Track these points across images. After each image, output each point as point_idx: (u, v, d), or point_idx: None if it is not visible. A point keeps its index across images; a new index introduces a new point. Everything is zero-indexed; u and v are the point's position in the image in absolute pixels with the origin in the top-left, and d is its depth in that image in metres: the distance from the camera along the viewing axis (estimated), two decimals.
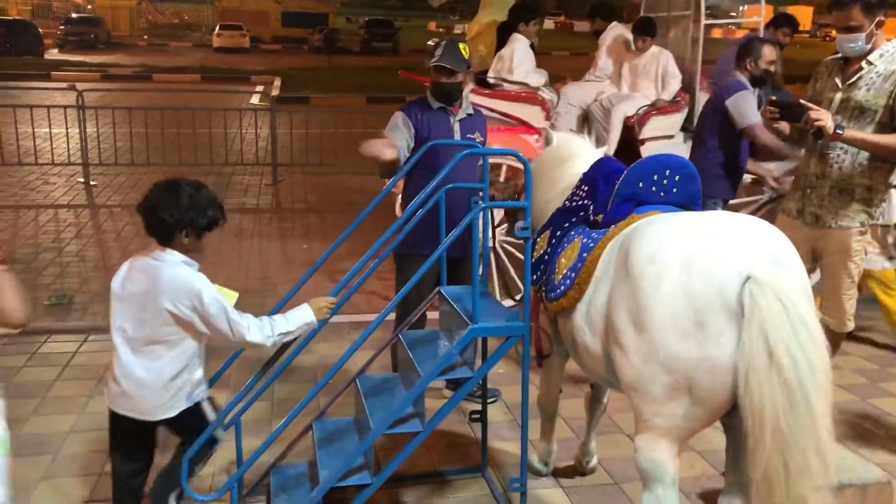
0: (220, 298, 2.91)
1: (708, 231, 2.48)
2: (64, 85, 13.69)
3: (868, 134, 3.72)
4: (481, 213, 3.65)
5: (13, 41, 30.70)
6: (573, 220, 3.20)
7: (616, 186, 2.99)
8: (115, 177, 10.56)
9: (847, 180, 3.84)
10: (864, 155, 3.78)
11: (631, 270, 2.51)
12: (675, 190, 2.95)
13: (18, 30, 32.01)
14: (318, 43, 39.18)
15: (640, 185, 2.95)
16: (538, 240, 3.35)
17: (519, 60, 6.37)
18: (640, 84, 6.63)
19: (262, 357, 3.44)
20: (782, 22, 6.53)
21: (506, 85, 6.36)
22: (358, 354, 3.48)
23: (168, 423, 3.02)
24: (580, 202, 3.25)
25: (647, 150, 6.15)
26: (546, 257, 3.20)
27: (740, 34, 7.97)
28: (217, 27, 42.56)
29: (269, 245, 7.85)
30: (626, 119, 6.46)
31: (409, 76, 6.64)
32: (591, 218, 3.09)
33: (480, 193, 3.55)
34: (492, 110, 6.00)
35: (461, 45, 4.16)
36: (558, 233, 3.21)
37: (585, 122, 6.80)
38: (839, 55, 3.91)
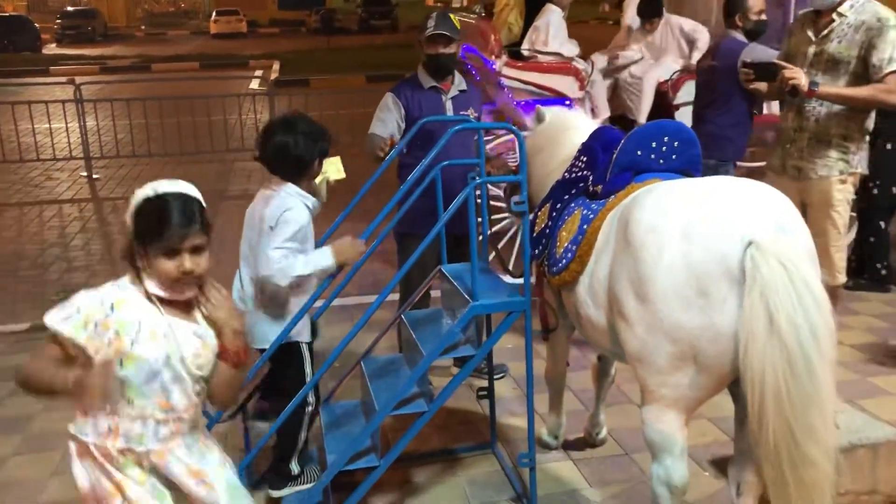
0: (288, 244, 3.06)
1: (708, 197, 2.43)
2: (63, 79, 13.62)
3: (842, 88, 3.80)
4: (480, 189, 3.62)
5: (10, 38, 30.58)
6: (573, 191, 3.16)
7: (614, 155, 2.95)
8: (118, 169, 10.55)
9: (824, 131, 3.91)
10: (839, 105, 3.85)
11: (631, 241, 2.47)
12: (674, 156, 2.90)
13: (15, 26, 31.89)
14: (316, 24, 38.99)
15: (639, 152, 2.90)
16: (539, 213, 3.31)
17: (555, 31, 6.37)
18: (664, 61, 6.55)
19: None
20: None
21: (539, 56, 6.32)
22: (364, 336, 3.48)
23: (268, 357, 3.17)
24: (579, 173, 3.20)
25: (681, 116, 6.07)
26: (547, 231, 3.16)
27: None
28: (214, 13, 42.34)
29: None
30: (660, 85, 6.39)
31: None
32: (591, 189, 3.04)
33: (477, 169, 3.52)
34: (526, 82, 6.01)
35: (452, 16, 4.11)
36: (558, 205, 3.17)
37: (615, 91, 6.75)
38: (811, 9, 3.95)
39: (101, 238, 7.61)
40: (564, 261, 2.88)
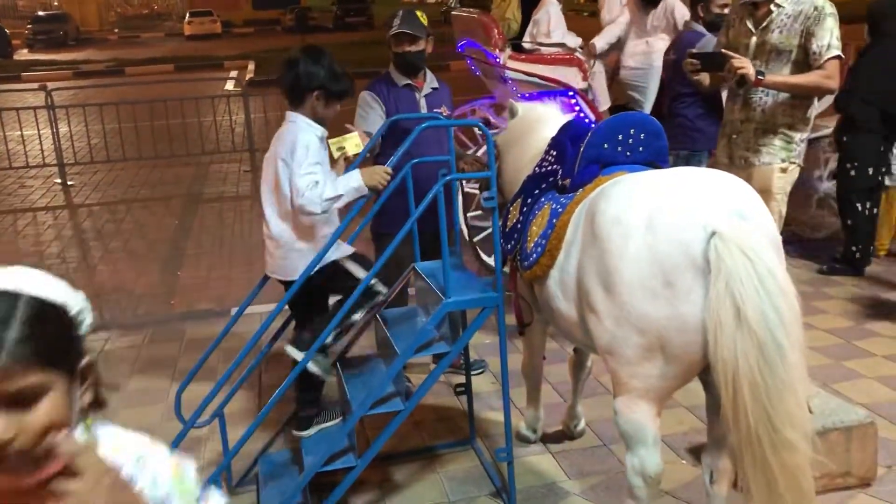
0: (308, 161, 3.08)
1: (672, 188, 2.45)
2: (34, 86, 13.48)
3: (787, 76, 3.88)
4: (452, 187, 3.63)
5: None
6: (543, 186, 3.17)
7: (581, 149, 2.96)
8: (93, 175, 10.46)
9: (770, 120, 3.99)
10: (785, 94, 3.93)
11: (598, 233, 2.49)
12: (640, 148, 2.92)
13: None
14: (291, 23, 38.79)
15: (605, 146, 2.92)
16: (511, 209, 3.32)
17: (555, 23, 6.44)
18: (656, 44, 6.58)
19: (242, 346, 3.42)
20: None
21: (542, 49, 6.36)
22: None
23: (317, 285, 3.22)
24: (549, 167, 3.21)
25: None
26: (519, 226, 3.17)
27: None
28: (187, 15, 42.05)
29: (251, 232, 7.79)
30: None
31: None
32: (560, 182, 3.06)
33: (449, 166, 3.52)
34: (531, 75, 6.03)
35: (418, 13, 4.11)
36: (529, 200, 3.18)
37: (614, 81, 6.76)
38: (747, 0, 4.00)
39: (76, 246, 7.55)
40: (535, 255, 2.89)
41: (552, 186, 3.11)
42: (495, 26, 6.25)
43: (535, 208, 3.09)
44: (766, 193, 3.95)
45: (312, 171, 3.09)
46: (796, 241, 6.12)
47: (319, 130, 3.23)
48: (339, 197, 3.12)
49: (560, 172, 3.08)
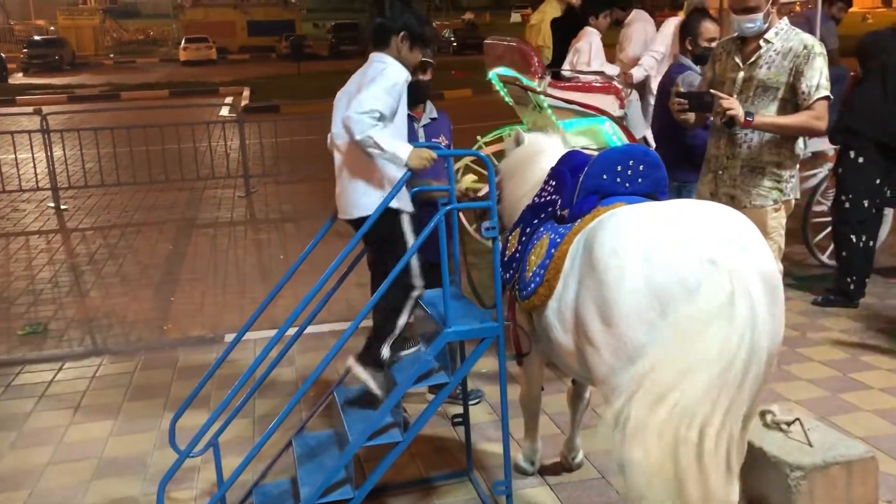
0: (382, 93, 3.01)
1: (669, 220, 2.46)
2: (29, 109, 13.47)
3: (776, 117, 3.86)
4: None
5: None
6: (542, 216, 3.18)
7: (580, 180, 2.97)
8: (87, 199, 10.42)
9: (756, 158, 3.97)
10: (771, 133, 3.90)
11: (595, 265, 2.49)
12: (640, 180, 2.93)
13: None
14: (286, 50, 39.01)
15: (605, 176, 2.93)
16: (510, 238, 3.32)
17: (595, 52, 6.64)
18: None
19: (240, 372, 3.38)
20: None
21: (581, 77, 6.51)
22: (340, 364, 3.45)
23: (368, 228, 3.08)
24: (548, 197, 3.22)
25: None
26: (517, 255, 3.17)
27: (798, 9, 7.98)
28: (183, 41, 42.27)
29: (246, 258, 7.78)
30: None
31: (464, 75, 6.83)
32: (559, 213, 3.06)
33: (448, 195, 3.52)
34: (570, 102, 6.14)
35: None
36: (528, 230, 3.19)
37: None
38: (735, 35, 4.01)
39: (69, 270, 7.51)
40: (533, 285, 2.89)
41: (551, 216, 3.12)
42: (536, 54, 6.36)
43: (534, 238, 3.09)
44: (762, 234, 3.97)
45: (377, 109, 2.97)
46: (788, 273, 6.13)
47: (406, 73, 3.17)
48: (380, 148, 2.97)
49: (559, 202, 3.09)
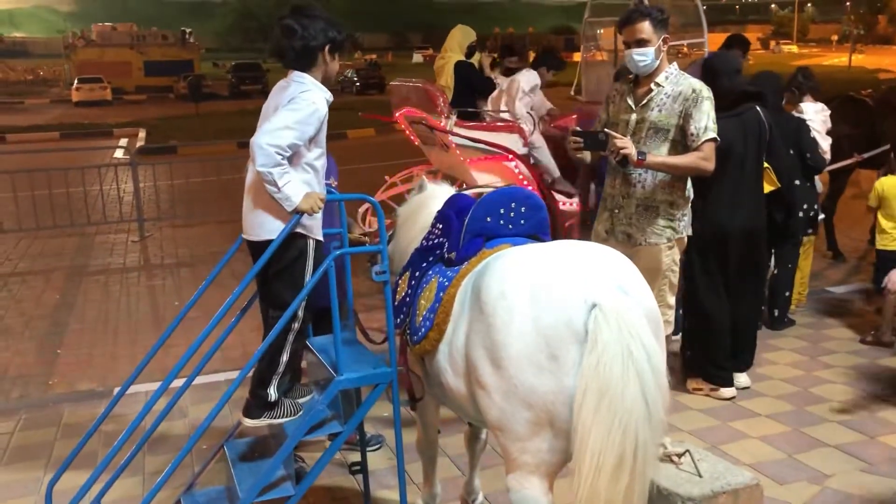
0: (296, 124, 2.91)
1: (553, 262, 2.50)
2: None
3: (667, 157, 4.01)
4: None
5: None
6: (430, 258, 3.18)
7: (465, 223, 2.99)
8: None
9: (650, 197, 4.11)
10: (664, 174, 4.05)
11: (483, 308, 2.50)
12: (522, 221, 2.99)
13: None
14: (184, 90, 38.28)
15: (489, 219, 2.97)
16: (400, 282, 3.31)
17: (521, 95, 6.68)
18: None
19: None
20: (734, 43, 6.71)
21: (488, 117, 6.70)
22: (236, 414, 3.33)
23: (272, 251, 2.99)
24: (436, 240, 3.23)
25: None
26: (408, 299, 3.16)
27: (686, 51, 8.25)
28: (76, 81, 40.94)
29: (139, 306, 7.51)
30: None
31: (373, 117, 6.79)
32: (447, 255, 3.07)
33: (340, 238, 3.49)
34: (476, 140, 6.25)
35: None
36: (417, 273, 3.18)
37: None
38: (630, 76, 4.20)
39: None
40: (424, 329, 2.88)
41: (439, 259, 3.12)
42: (441, 95, 6.46)
43: (423, 281, 3.09)
44: (656, 272, 4.09)
45: (287, 145, 2.87)
46: None
47: (329, 94, 3.08)
48: (276, 187, 2.89)
49: (446, 245, 3.10)
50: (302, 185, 2.99)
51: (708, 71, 4.72)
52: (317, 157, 3.10)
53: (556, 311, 2.35)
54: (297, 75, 3.07)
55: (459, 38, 7.06)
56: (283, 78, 3.15)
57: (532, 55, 8.09)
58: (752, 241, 4.76)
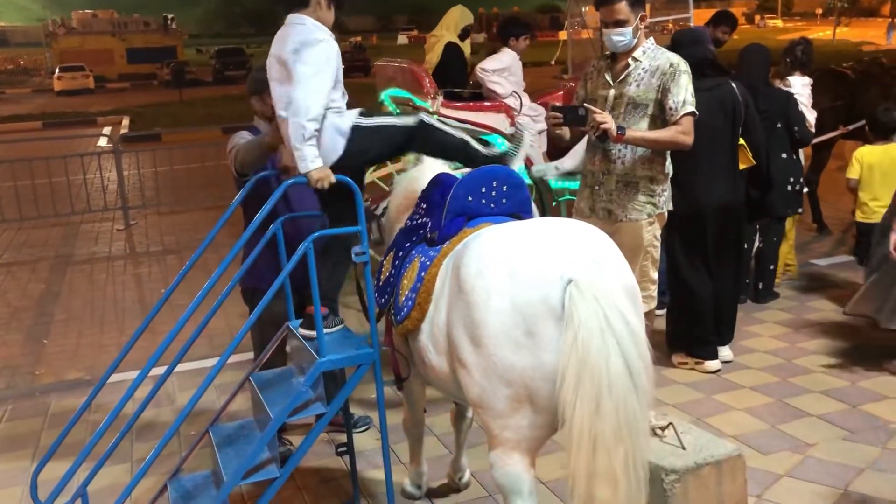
0: (318, 83, 2.86)
1: (530, 239, 2.50)
2: None
3: (646, 132, 4.00)
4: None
5: None
6: (413, 239, 3.18)
7: (447, 202, 2.99)
8: None
9: (630, 173, 4.09)
10: (643, 149, 4.04)
11: (463, 286, 2.51)
12: (503, 200, 2.98)
13: None
14: (168, 77, 38.02)
15: (470, 198, 2.97)
16: (384, 262, 3.31)
17: (505, 71, 6.51)
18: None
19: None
20: (721, 20, 6.65)
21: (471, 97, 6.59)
22: (222, 399, 3.33)
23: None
24: (419, 220, 3.23)
25: None
26: (391, 279, 3.16)
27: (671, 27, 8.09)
28: (57, 70, 40.55)
29: (125, 294, 7.48)
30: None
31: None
32: (429, 235, 3.07)
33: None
34: (462, 121, 6.15)
35: None
36: (401, 253, 3.18)
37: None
38: (607, 53, 4.19)
39: None
40: (406, 309, 2.88)
41: (422, 239, 3.12)
42: (426, 75, 6.41)
43: (406, 261, 3.09)
44: (637, 247, 4.08)
45: (317, 114, 2.84)
46: None
47: (328, 33, 2.95)
48: (299, 148, 2.87)
49: (429, 225, 3.10)
50: (318, 159, 2.95)
51: (673, 44, 4.75)
52: (342, 95, 3.05)
53: (533, 288, 2.35)
54: (294, 17, 2.98)
55: (457, 19, 6.94)
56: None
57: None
58: (729, 216, 4.79)
